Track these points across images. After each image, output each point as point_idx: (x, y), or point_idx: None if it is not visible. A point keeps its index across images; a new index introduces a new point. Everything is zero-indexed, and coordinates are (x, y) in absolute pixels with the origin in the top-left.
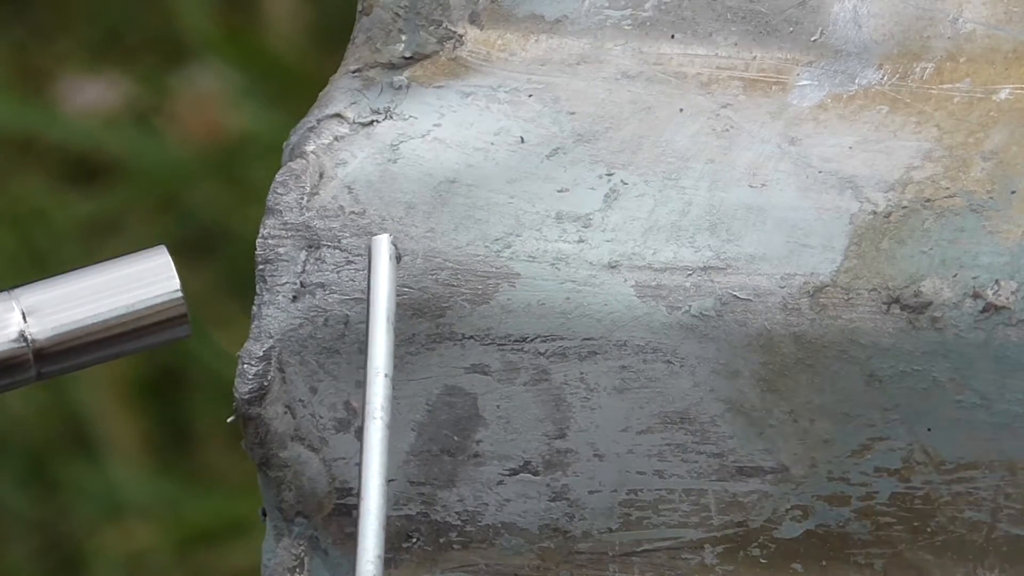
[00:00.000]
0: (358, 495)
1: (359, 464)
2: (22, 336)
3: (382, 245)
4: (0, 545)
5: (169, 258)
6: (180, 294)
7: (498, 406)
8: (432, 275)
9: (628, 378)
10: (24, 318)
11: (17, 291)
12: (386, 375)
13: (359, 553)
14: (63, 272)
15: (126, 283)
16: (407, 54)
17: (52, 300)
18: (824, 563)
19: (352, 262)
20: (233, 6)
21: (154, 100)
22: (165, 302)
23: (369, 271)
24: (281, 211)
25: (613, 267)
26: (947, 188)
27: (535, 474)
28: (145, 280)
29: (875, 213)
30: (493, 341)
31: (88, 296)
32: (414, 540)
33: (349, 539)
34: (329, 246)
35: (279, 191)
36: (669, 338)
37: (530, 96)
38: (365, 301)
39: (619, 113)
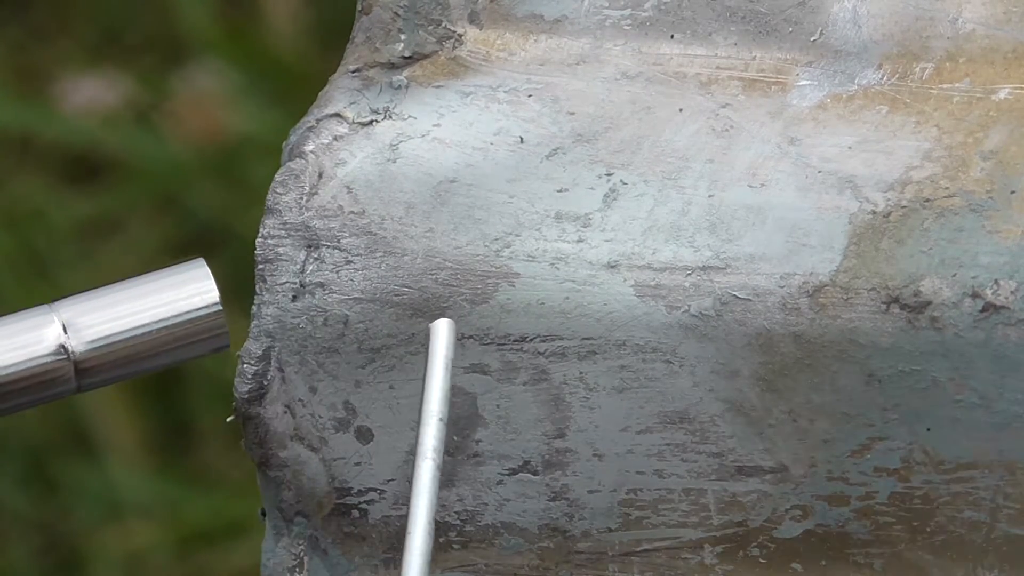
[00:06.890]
0: (405, 532)
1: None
2: (62, 349)
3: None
4: (0, 545)
5: (208, 270)
6: (220, 307)
7: (498, 406)
8: (432, 275)
9: (627, 378)
10: (64, 331)
11: (57, 304)
12: (440, 419)
13: None
14: (105, 284)
15: (165, 296)
16: (406, 54)
17: (92, 313)
18: (824, 563)
19: (351, 262)
20: (233, 6)
21: (154, 99)
22: (205, 315)
23: (430, 341)
24: (281, 211)
25: (612, 267)
26: (946, 188)
27: (534, 474)
28: (184, 293)
29: (874, 213)
30: (492, 341)
31: (128, 309)
32: None
33: (348, 539)
34: (328, 246)
35: (278, 191)
36: (669, 338)
37: (530, 96)
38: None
39: (619, 113)
